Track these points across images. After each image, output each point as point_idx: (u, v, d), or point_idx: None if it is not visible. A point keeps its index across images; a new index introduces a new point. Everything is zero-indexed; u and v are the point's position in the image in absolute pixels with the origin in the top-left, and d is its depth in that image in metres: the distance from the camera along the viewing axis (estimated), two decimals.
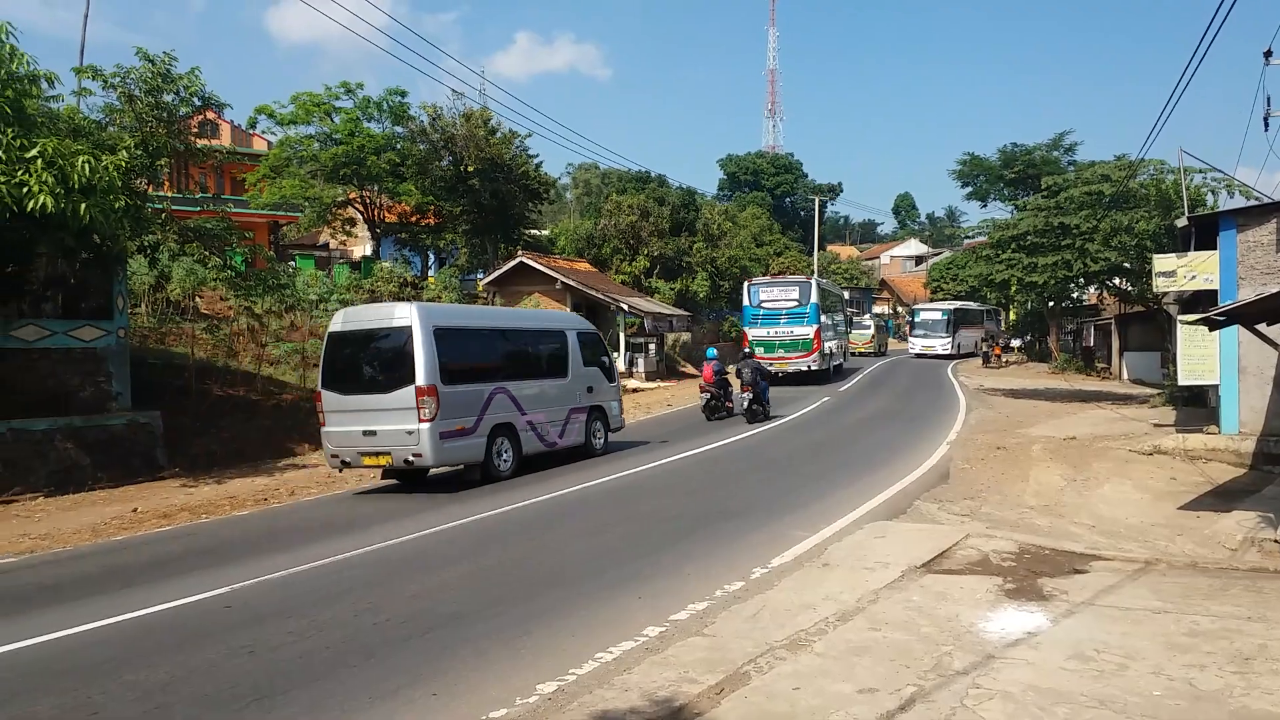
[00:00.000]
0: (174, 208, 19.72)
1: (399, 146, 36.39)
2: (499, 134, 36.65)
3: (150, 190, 17.35)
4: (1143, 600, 6.38)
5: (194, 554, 9.60)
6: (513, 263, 33.85)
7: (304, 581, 8.10)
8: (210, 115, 20.84)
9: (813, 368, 29.86)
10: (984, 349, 45.09)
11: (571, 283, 33.28)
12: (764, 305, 31.06)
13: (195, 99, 16.29)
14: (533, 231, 43.47)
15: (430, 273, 41.35)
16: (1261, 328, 10.56)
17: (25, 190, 11.41)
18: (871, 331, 52.47)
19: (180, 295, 22.44)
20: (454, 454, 12.61)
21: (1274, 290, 9.64)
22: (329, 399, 12.77)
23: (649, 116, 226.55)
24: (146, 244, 15.96)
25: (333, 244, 41.56)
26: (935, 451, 14.88)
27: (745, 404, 19.91)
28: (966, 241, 35.34)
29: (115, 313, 15.40)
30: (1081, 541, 8.71)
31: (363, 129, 35.56)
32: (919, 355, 46.66)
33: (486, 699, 5.10)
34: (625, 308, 33.73)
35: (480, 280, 36.39)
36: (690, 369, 40.56)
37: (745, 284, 32.61)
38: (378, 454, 12.38)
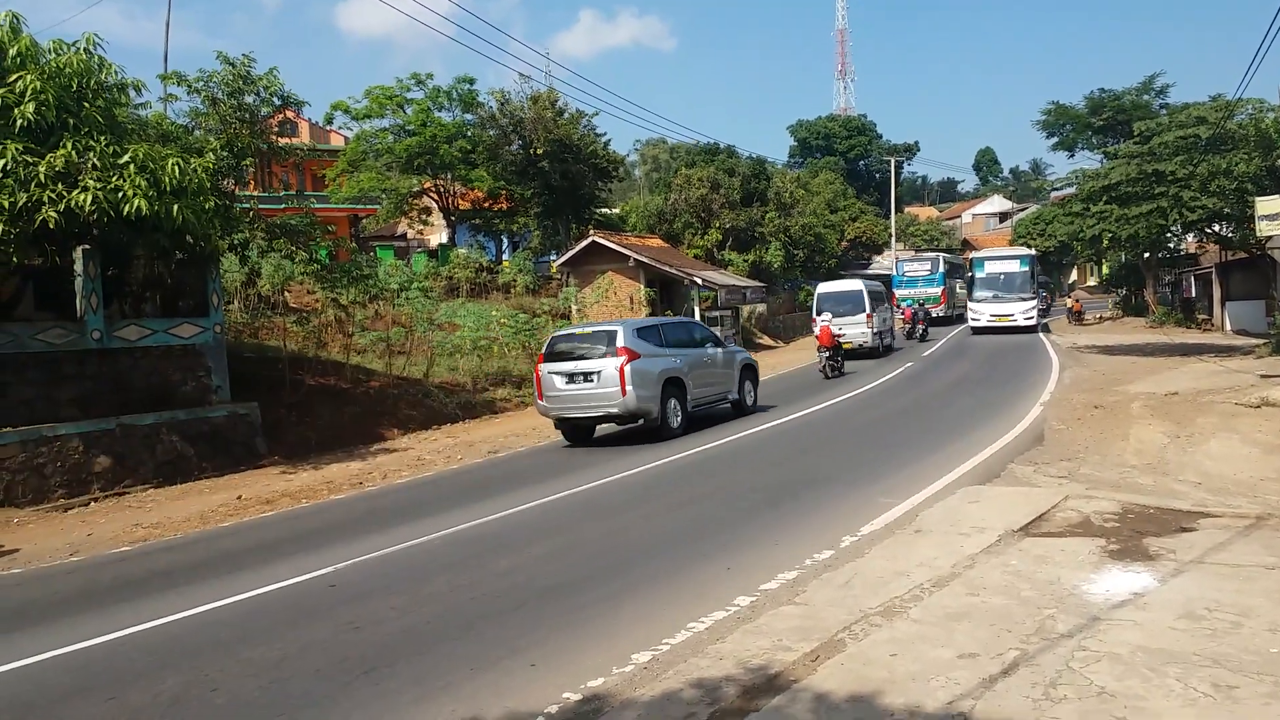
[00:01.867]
0: (260, 206, 20.42)
1: (469, 134, 36.90)
2: (566, 114, 36.78)
3: (237, 190, 17.99)
4: (1255, 556, 6.11)
5: (297, 537, 9.98)
6: (585, 242, 34.00)
7: (402, 559, 8.35)
8: (289, 114, 21.41)
9: (940, 314, 41.98)
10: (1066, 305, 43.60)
11: (644, 259, 33.28)
12: (907, 273, 44.63)
13: (275, 99, 16.79)
14: (604, 210, 43.57)
15: (505, 256, 41.90)
16: None
17: (120, 195, 11.93)
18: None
19: (270, 290, 23.23)
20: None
21: None
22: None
23: (716, 86, 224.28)
24: (236, 242, 16.54)
25: (410, 233, 42.44)
26: (1029, 412, 14.46)
27: (919, 331, 35.10)
28: (1054, 194, 34.17)
29: (211, 309, 16.02)
30: (1187, 499, 8.36)
31: (434, 119, 36.17)
32: (985, 329, 34.24)
33: (584, 668, 5.18)
34: (699, 281, 33.60)
35: (554, 261, 36.69)
36: (767, 340, 40.23)
37: (895, 260, 49.43)
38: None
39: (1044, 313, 38.76)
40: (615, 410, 14.30)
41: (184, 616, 7.06)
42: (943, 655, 4.80)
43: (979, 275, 35.07)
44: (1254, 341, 24.85)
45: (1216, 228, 25.52)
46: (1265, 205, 14.86)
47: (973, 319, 34.82)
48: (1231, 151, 21.91)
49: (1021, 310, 33.50)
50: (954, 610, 5.48)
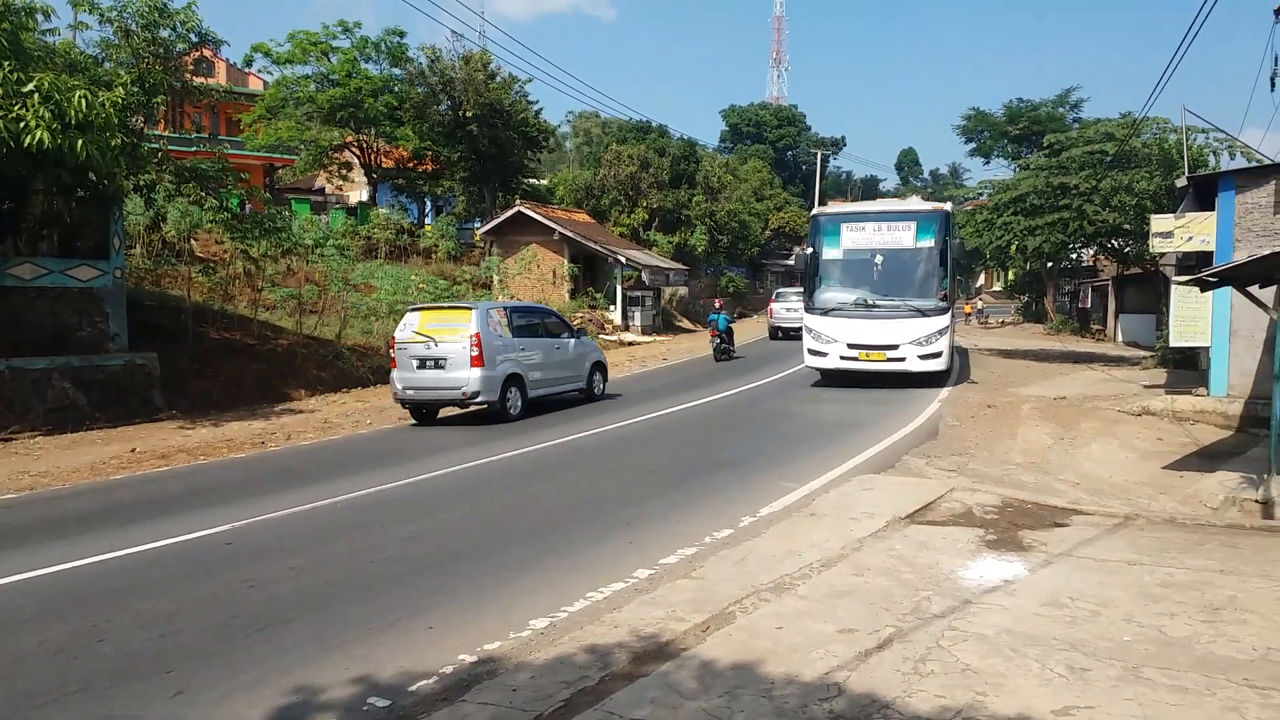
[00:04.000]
0: (170, 147, 19.60)
1: (397, 89, 36.07)
2: (499, 78, 36.28)
3: (146, 128, 17.24)
4: (1119, 553, 6.56)
5: (193, 493, 9.76)
6: (510, 212, 33.72)
7: (303, 520, 8.27)
8: (206, 53, 20.57)
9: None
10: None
11: (569, 234, 33.19)
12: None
13: (192, 35, 16.15)
14: (531, 180, 43.21)
15: (427, 220, 41.20)
16: (1255, 290, 10.65)
17: (22, 125, 11.37)
18: None
19: (176, 237, 22.36)
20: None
21: (1267, 252, 9.70)
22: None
23: (652, 62, 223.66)
24: (142, 183, 15.91)
25: (329, 188, 41.33)
26: (926, 409, 15.03)
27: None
28: (967, 202, 34.86)
29: (112, 253, 15.40)
30: (1064, 497, 8.89)
31: (360, 70, 35.21)
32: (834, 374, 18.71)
33: (481, 632, 5.27)
34: (623, 260, 33.71)
35: (478, 229, 36.27)
36: (686, 324, 40.62)
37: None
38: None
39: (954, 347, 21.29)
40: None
41: (74, 566, 6.88)
42: (824, 630, 5.05)
43: (828, 254, 17.78)
44: (1142, 353, 26.28)
45: (1116, 243, 26.85)
46: (1159, 223, 15.72)
47: (812, 351, 17.67)
48: (1135, 169, 23.06)
49: (914, 337, 16.82)
50: (839, 589, 5.75)
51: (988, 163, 45.63)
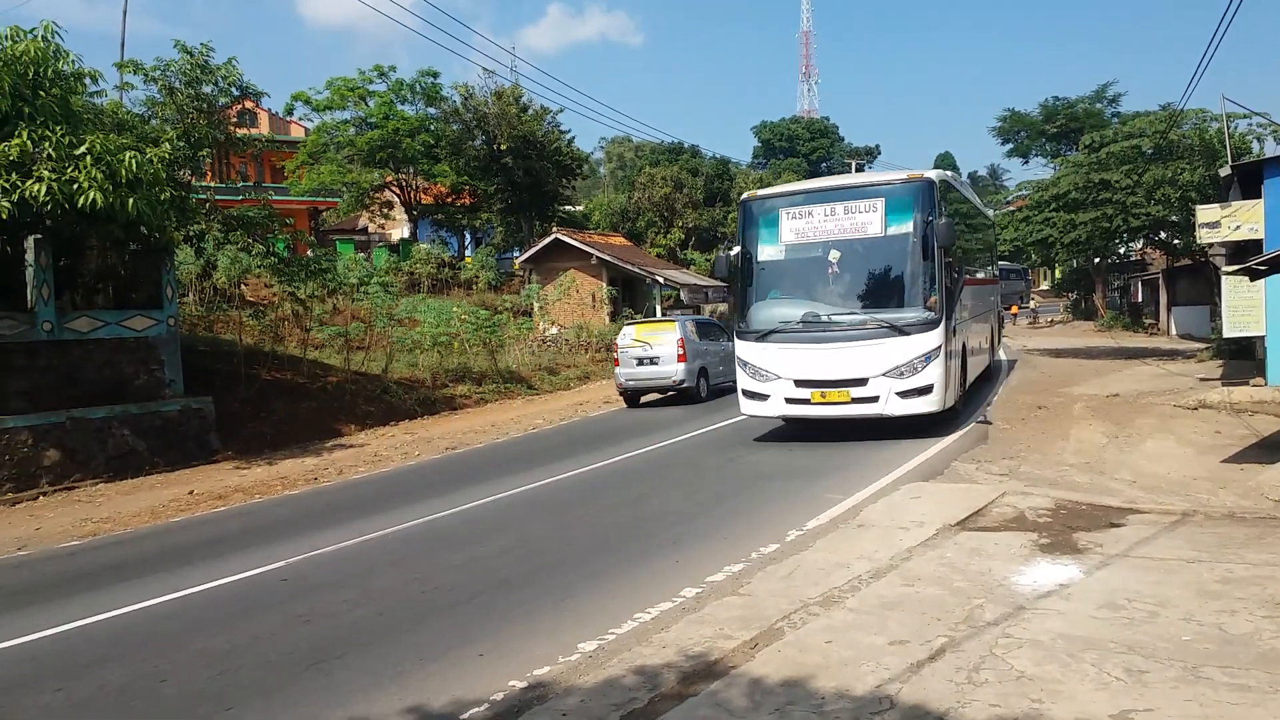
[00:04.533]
0: (217, 197, 20.22)
1: (433, 128, 36.78)
2: (530, 111, 36.82)
3: (194, 180, 17.81)
4: (1177, 550, 6.40)
5: (250, 532, 9.98)
6: (548, 239, 34.05)
7: (356, 554, 8.41)
8: (249, 104, 21.21)
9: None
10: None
11: (606, 257, 33.42)
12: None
13: (233, 89, 16.68)
14: (567, 208, 43.64)
15: (467, 253, 41.80)
16: None
17: (75, 187, 11.80)
18: None
19: (226, 283, 23.01)
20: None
21: None
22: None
23: (682, 85, 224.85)
24: (192, 234, 16.40)
25: (371, 228, 42.17)
26: (975, 413, 14.82)
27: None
28: (1007, 204, 34.34)
29: (165, 302, 15.86)
30: (1120, 496, 8.70)
31: (396, 112, 35.99)
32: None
33: (532, 658, 5.31)
34: (660, 280, 33.81)
35: (517, 258, 36.69)
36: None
37: None
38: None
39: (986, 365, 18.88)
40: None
41: (133, 610, 7.06)
42: (875, 642, 5.00)
43: (765, 254, 12.95)
44: (1197, 345, 25.61)
45: (1162, 235, 26.30)
46: (1205, 213, 15.39)
47: (748, 393, 12.93)
48: (1176, 161, 22.61)
49: (891, 366, 11.85)
50: (889, 600, 5.69)
51: (1026, 163, 45.11)
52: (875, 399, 11.79)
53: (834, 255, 12.23)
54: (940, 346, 11.76)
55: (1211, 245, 19.53)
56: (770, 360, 12.38)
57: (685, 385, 18.86)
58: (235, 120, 19.05)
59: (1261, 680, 4.19)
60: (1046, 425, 13.36)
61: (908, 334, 11.66)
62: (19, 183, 11.46)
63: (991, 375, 19.31)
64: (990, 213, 20.00)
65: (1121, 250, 34.23)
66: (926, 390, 11.71)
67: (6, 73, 11.56)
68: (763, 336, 12.49)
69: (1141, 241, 29.66)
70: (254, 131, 22.33)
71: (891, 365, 11.67)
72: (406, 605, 6.62)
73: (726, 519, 8.55)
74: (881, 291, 12.21)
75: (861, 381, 11.81)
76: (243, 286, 23.62)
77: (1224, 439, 12.20)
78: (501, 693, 4.84)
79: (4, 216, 11.42)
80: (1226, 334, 15.59)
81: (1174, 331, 32.32)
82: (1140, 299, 39.24)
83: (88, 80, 13.70)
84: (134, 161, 12.15)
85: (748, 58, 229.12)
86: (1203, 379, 17.61)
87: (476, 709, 4.66)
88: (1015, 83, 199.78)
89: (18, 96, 11.83)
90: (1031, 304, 51.50)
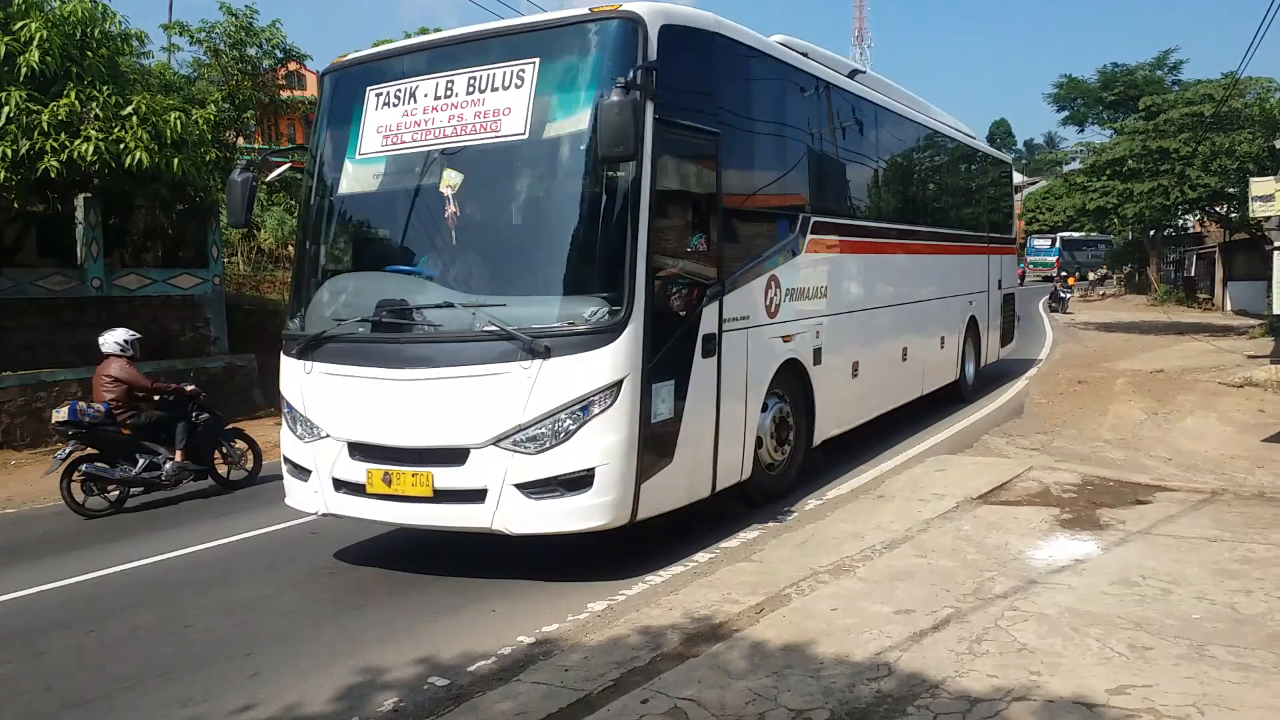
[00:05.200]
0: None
1: None
2: None
3: (241, 142, 18.04)
4: (1200, 529, 6.30)
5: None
6: None
7: None
8: (296, 67, 21.39)
9: None
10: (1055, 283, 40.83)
11: None
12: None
13: (277, 51, 16.80)
14: None
15: None
16: None
17: (122, 147, 12.05)
18: None
19: (273, 244, 23.35)
20: None
21: None
22: None
23: None
24: None
25: None
26: (1012, 387, 14.62)
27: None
28: (1066, 170, 32.96)
29: (210, 261, 16.19)
30: (1151, 474, 8.56)
31: None
32: None
33: (541, 615, 5.43)
34: None
35: None
36: None
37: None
38: None
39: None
40: None
41: (164, 558, 7.30)
42: (881, 610, 5.02)
43: (336, 178, 6.87)
44: (1251, 322, 24.88)
45: (1219, 208, 25.47)
46: (1259, 186, 14.87)
47: (291, 465, 6.82)
48: (1237, 131, 21.83)
49: (501, 429, 5.65)
50: (900, 570, 5.70)
51: (1082, 130, 43.71)
52: (479, 494, 5.76)
53: (447, 180, 6.07)
54: (622, 383, 5.68)
55: (1269, 219, 18.92)
56: (312, 397, 6.46)
57: None
58: (284, 82, 19.22)
59: (1266, 660, 4.14)
60: (1085, 400, 13.13)
61: (552, 354, 5.61)
62: (67, 142, 11.73)
63: (955, 397, 12.86)
64: (965, 132, 14.00)
65: (1178, 223, 33.17)
66: (582, 483, 5.68)
67: (55, 33, 11.79)
68: (307, 348, 6.51)
69: (1198, 214, 28.71)
70: (300, 94, 22.49)
71: (510, 424, 5.66)
72: (431, 558, 6.77)
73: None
74: (522, 261, 6.27)
75: (454, 455, 5.82)
76: (289, 247, 23.98)
77: (1267, 418, 11.89)
78: (509, 647, 4.96)
79: (53, 175, 11.71)
80: (1276, 310, 15.13)
81: (1229, 307, 31.40)
82: (1195, 273, 38.13)
83: (135, 41, 13.90)
84: (179, 122, 12.36)
85: (800, 19, 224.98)
86: (1252, 356, 17.12)
87: (483, 661, 4.79)
88: (1073, 50, 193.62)
89: (66, 56, 12.06)
90: (1091, 275, 49.98)
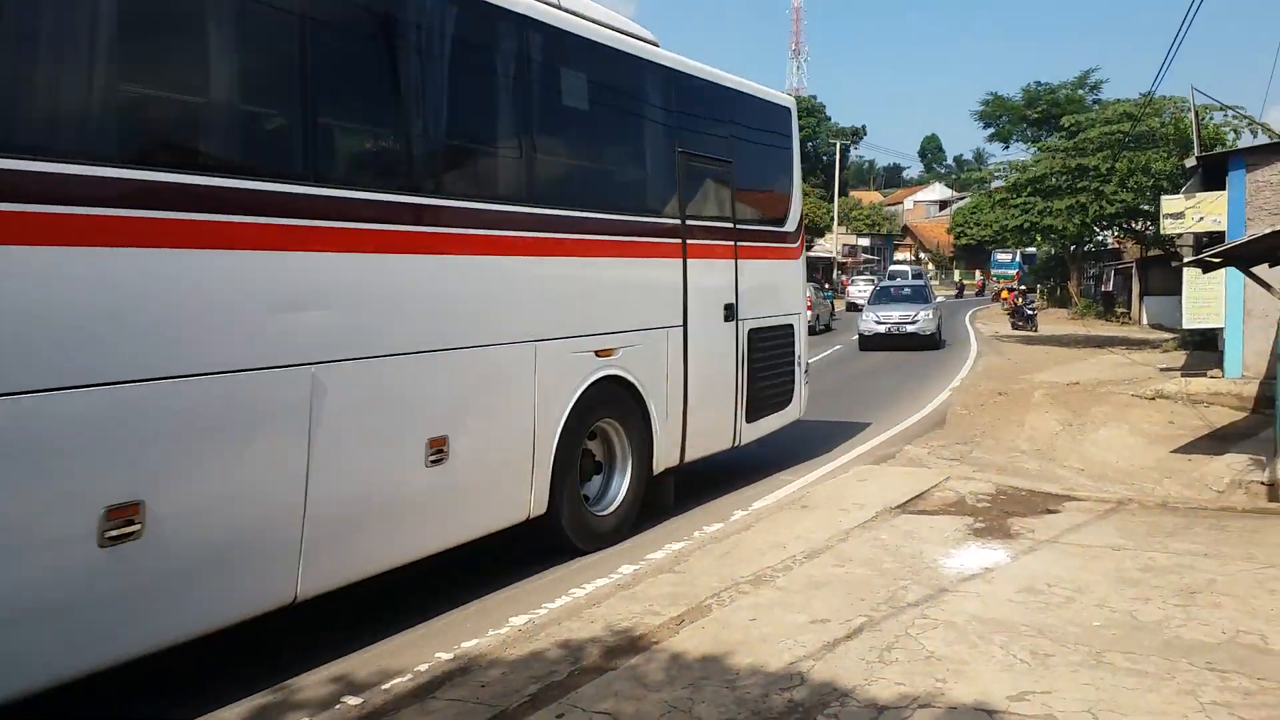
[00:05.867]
0: None
1: None
2: None
3: None
4: (1106, 538, 6.55)
5: None
6: None
7: None
8: None
9: None
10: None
11: None
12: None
13: None
14: None
15: None
16: (1261, 271, 10.52)
17: None
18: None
19: None
20: None
21: (1268, 231, 9.59)
22: None
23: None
24: None
25: None
26: (936, 398, 14.99)
27: None
28: (992, 185, 34.10)
29: None
30: (1062, 483, 8.87)
31: None
32: None
33: (462, 631, 5.40)
34: None
35: None
36: None
37: None
38: None
39: None
40: None
41: None
42: (797, 620, 5.11)
43: None
44: (1165, 336, 25.92)
45: (1137, 224, 26.50)
46: (1170, 204, 15.54)
47: None
48: (1152, 149, 22.77)
49: None
50: (818, 580, 5.80)
51: (1007, 147, 45.05)
52: None
53: None
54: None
55: (1181, 236, 19.76)
56: None
57: None
58: None
59: (1160, 666, 4.32)
60: (1004, 411, 13.54)
61: None
62: None
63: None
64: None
65: (1097, 238, 34.40)
66: None
67: None
68: None
69: (1116, 230, 29.84)
70: None
71: None
72: None
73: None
74: None
75: None
76: None
77: (1176, 429, 12.43)
78: (427, 664, 4.91)
79: None
80: (1186, 325, 15.83)
81: (1145, 321, 32.67)
82: (1113, 288, 39.57)
83: None
84: None
85: (738, 33, 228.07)
86: (1164, 369, 17.85)
87: (400, 678, 4.73)
88: (1001, 67, 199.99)
89: None
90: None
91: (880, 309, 24.48)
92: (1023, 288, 37.05)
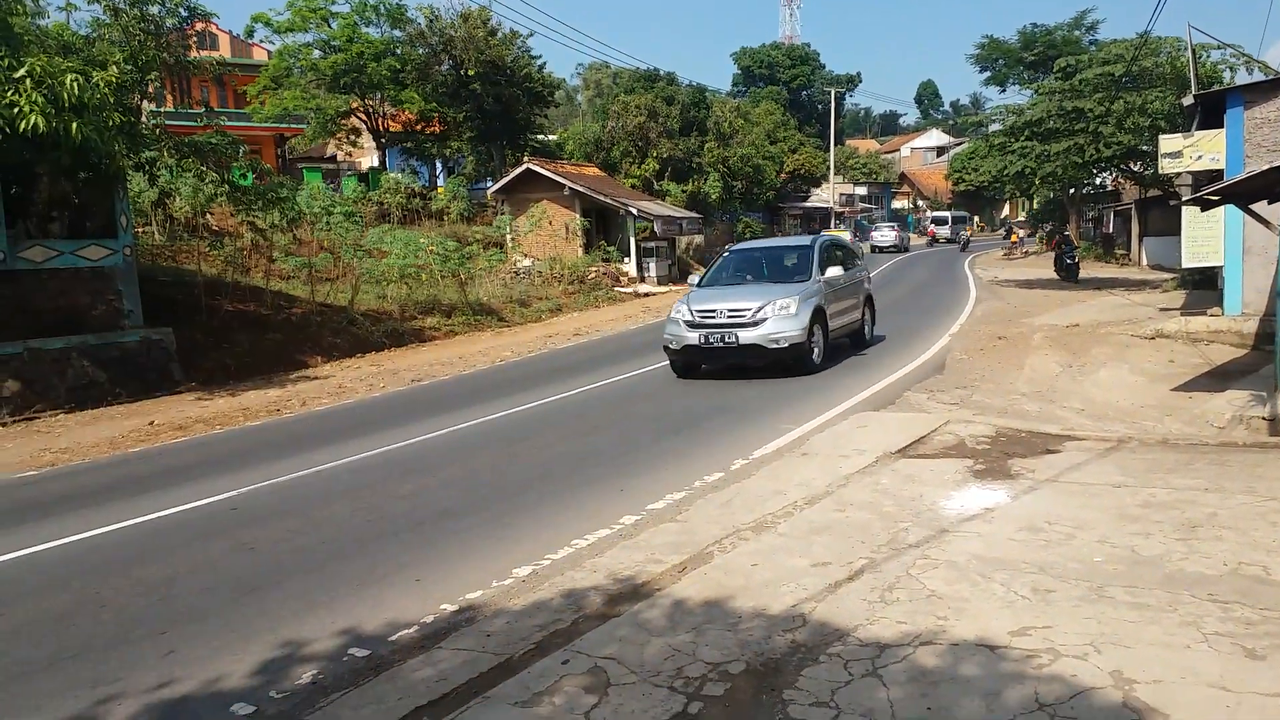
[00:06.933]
0: (175, 123, 19.69)
1: (399, 52, 35.79)
2: (499, 35, 35.85)
3: (152, 106, 17.27)
4: (1106, 476, 6.55)
5: (207, 462, 9.99)
6: (519, 170, 33.53)
7: (308, 484, 8.45)
8: (206, 26, 20.55)
9: None
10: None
11: (579, 188, 33.00)
12: None
13: (181, 9, 16.11)
14: (540, 137, 42.86)
15: (439, 183, 41.15)
16: (1259, 207, 10.41)
17: (16, 111, 11.46)
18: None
19: (189, 212, 22.56)
20: None
21: (1266, 167, 9.45)
22: None
23: (663, 8, 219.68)
24: (143, 161, 16.01)
25: (339, 156, 41.32)
26: (935, 343, 14.95)
27: None
28: (989, 129, 33.81)
29: (120, 231, 15.57)
30: (1062, 424, 8.85)
31: (361, 34, 34.99)
32: None
33: (466, 583, 5.41)
34: (634, 212, 33.49)
35: (489, 189, 36.15)
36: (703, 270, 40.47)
37: None
38: None
39: None
40: None
41: (81, 538, 7.10)
42: (798, 564, 5.12)
43: None
44: (1165, 277, 25.82)
45: (1135, 165, 26.24)
46: (1168, 143, 15.34)
47: None
48: (1149, 89, 22.46)
49: None
50: (819, 524, 5.81)
51: (1003, 91, 44.73)
52: None
53: None
54: None
55: (1179, 175, 19.56)
56: None
57: None
58: (195, 41, 18.38)
59: (1161, 600, 4.34)
60: (1004, 355, 13.51)
61: None
62: None
63: None
64: None
65: (1096, 181, 34.09)
66: None
67: None
68: None
69: (1114, 172, 29.56)
70: (206, 54, 21.64)
71: None
72: (351, 533, 6.69)
73: (673, 451, 8.64)
74: None
75: None
76: (208, 215, 23.18)
77: (1177, 368, 12.40)
78: (432, 615, 4.93)
79: None
80: (1185, 264, 15.72)
81: (1145, 262, 32.52)
82: (1112, 230, 39.34)
83: (28, 1, 13.18)
84: (75, 84, 11.79)
85: None
86: (1164, 309, 17.80)
87: (405, 631, 4.76)
88: (996, 9, 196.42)
89: None
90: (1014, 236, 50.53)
91: (709, 299, 12.82)
92: (1066, 234, 33.87)
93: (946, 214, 66.06)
